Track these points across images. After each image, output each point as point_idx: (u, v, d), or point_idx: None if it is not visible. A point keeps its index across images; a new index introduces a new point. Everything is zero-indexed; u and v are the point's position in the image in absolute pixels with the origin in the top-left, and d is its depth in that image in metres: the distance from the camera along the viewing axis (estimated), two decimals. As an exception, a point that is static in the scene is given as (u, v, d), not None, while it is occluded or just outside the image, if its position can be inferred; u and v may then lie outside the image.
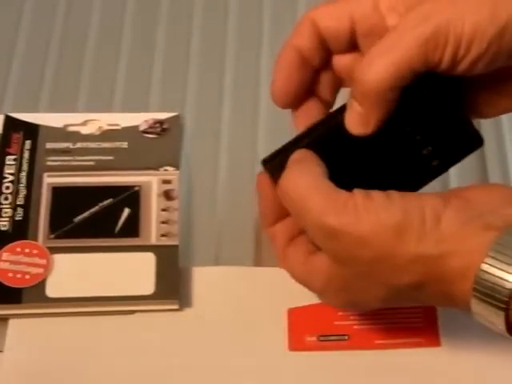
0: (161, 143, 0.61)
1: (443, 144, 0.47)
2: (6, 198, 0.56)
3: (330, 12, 0.47)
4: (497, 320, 0.43)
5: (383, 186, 0.45)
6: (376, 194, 0.44)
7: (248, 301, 0.54)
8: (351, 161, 0.47)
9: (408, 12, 0.44)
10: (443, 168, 0.48)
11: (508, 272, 0.41)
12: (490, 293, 0.42)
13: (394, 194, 0.44)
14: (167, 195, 0.58)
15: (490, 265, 0.42)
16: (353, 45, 0.47)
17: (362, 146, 0.46)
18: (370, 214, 0.43)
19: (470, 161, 0.49)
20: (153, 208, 0.57)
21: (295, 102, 0.48)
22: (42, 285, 0.53)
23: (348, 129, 0.46)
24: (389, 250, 0.43)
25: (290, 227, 0.48)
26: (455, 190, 0.46)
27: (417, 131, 0.47)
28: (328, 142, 0.47)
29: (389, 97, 0.44)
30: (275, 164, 0.47)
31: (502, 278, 0.41)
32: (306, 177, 0.45)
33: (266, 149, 0.55)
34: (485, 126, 0.60)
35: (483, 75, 0.44)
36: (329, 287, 0.47)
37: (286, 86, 0.47)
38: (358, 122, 0.46)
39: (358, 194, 0.44)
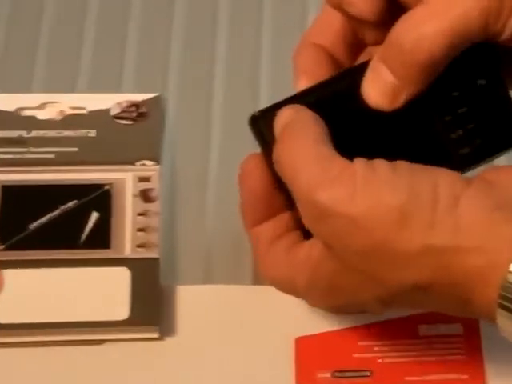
0: (137, 131, 0.59)
1: (479, 131, 0.46)
2: None
3: None
4: None
5: None
6: (381, 165, 0.42)
7: (246, 328, 0.51)
8: (359, 132, 0.46)
9: None
10: (473, 160, 0.46)
11: None
12: None
13: (402, 165, 0.42)
14: (145, 196, 0.56)
15: None
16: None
17: (375, 117, 0.45)
18: (370, 189, 0.41)
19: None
20: (127, 212, 0.55)
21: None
22: None
23: (367, 99, 0.45)
24: (389, 238, 0.41)
25: (279, 226, 0.47)
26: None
27: (448, 109, 0.45)
28: (334, 106, 0.46)
29: (434, 69, 0.43)
30: (266, 122, 0.45)
31: None
32: (301, 142, 0.44)
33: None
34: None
35: None
36: (314, 283, 0.45)
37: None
38: (384, 93, 0.44)
39: (359, 163, 0.42)
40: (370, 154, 0.44)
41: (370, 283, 0.44)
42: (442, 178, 0.42)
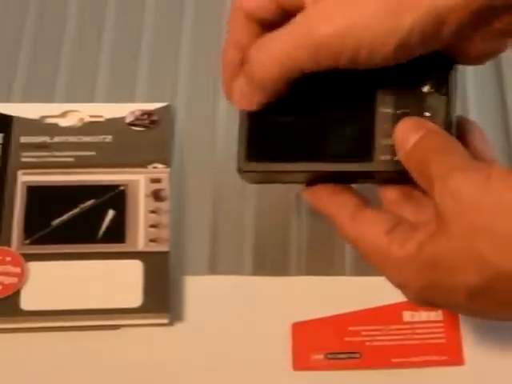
0: (149, 137, 0.60)
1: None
2: (-25, 198, 0.58)
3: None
4: None
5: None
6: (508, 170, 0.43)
7: (247, 314, 0.54)
8: (312, 97, 0.49)
9: (313, 3, 0.46)
10: (386, 170, 0.48)
11: None
12: None
13: None
14: (157, 195, 0.57)
15: None
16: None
17: (328, 86, 0.48)
18: (503, 188, 0.42)
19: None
20: (140, 210, 0.57)
21: None
22: (15, 296, 0.53)
23: (233, 100, 0.49)
24: (505, 227, 0.42)
25: (356, 196, 0.48)
26: None
27: (389, 119, 0.48)
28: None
29: (273, 86, 0.47)
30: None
31: None
32: (453, 144, 0.46)
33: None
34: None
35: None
36: (415, 262, 0.45)
37: None
38: (242, 97, 0.49)
39: (496, 167, 0.44)
40: (307, 114, 0.48)
41: (474, 263, 0.43)
42: None
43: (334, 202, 0.48)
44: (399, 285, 0.47)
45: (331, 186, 0.49)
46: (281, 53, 0.45)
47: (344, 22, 0.44)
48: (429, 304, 0.47)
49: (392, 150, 0.47)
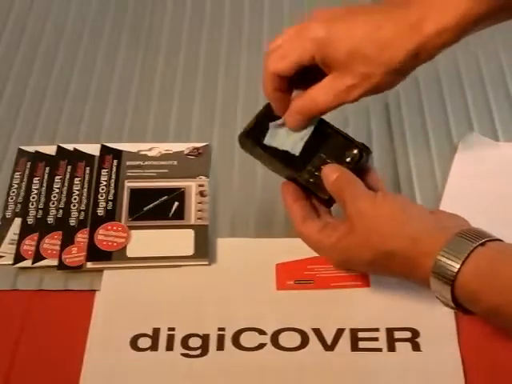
0: (197, 162, 0.72)
1: (319, 181, 0.60)
2: (102, 195, 0.70)
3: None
4: (446, 293, 0.53)
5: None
6: (390, 195, 0.57)
7: (251, 259, 0.66)
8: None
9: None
10: (305, 182, 0.59)
11: (455, 261, 0.52)
12: (442, 272, 0.52)
13: (399, 199, 0.57)
14: (201, 193, 0.70)
15: (444, 255, 0.53)
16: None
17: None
18: (383, 205, 0.56)
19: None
20: (192, 201, 0.69)
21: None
22: (123, 249, 0.66)
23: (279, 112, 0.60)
24: (384, 226, 0.56)
25: (305, 208, 0.60)
26: (436, 210, 0.59)
27: (319, 162, 0.61)
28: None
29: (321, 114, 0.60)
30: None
31: (450, 265, 0.52)
32: (353, 185, 0.58)
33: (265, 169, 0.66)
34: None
35: None
36: (336, 248, 0.58)
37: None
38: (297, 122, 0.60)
39: (380, 193, 0.57)
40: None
41: (365, 251, 0.56)
42: (414, 206, 0.56)
43: (293, 208, 0.61)
44: (328, 260, 0.61)
45: (294, 195, 0.60)
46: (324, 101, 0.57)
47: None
48: (345, 269, 0.63)
49: (310, 174, 0.60)
